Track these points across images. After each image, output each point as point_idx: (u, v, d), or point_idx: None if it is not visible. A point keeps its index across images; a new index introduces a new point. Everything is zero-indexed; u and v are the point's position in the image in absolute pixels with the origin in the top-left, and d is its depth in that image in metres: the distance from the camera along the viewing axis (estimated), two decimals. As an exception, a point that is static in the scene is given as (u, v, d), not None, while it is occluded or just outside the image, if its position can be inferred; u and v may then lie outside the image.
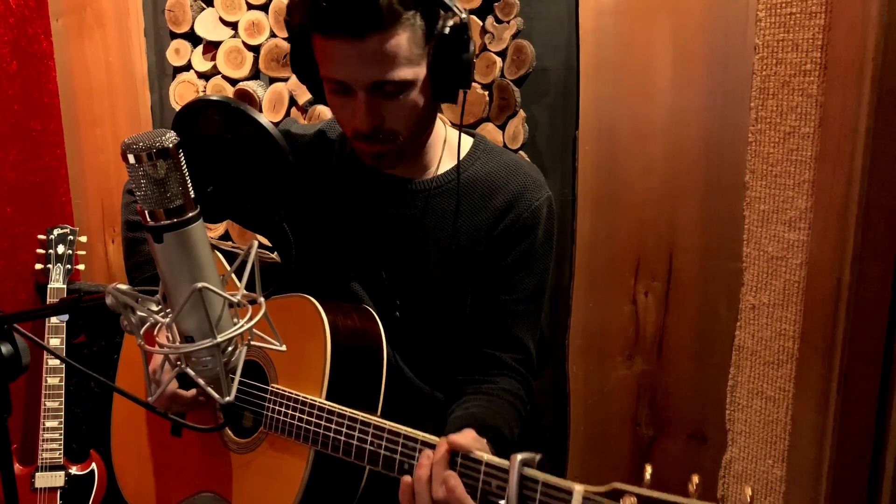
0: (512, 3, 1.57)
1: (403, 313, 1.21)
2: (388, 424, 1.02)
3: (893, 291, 1.21)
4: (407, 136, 1.11)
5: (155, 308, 0.75)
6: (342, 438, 1.05)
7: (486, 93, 1.63)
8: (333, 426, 1.06)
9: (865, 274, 1.22)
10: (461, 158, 1.20)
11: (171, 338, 0.76)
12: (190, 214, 0.71)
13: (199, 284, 0.71)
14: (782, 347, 1.35)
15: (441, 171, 1.21)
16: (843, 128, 1.21)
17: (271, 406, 1.12)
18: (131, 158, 0.68)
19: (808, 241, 1.28)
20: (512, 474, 0.87)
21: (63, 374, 1.90)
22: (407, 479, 0.96)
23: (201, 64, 1.90)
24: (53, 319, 1.90)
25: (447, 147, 1.22)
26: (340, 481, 1.10)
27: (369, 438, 1.03)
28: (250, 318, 0.75)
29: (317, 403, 1.07)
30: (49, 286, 1.94)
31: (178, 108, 1.93)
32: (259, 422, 1.15)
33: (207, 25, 1.86)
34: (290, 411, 1.10)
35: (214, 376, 0.75)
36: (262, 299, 0.76)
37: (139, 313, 0.74)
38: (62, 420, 1.90)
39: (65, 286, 1.95)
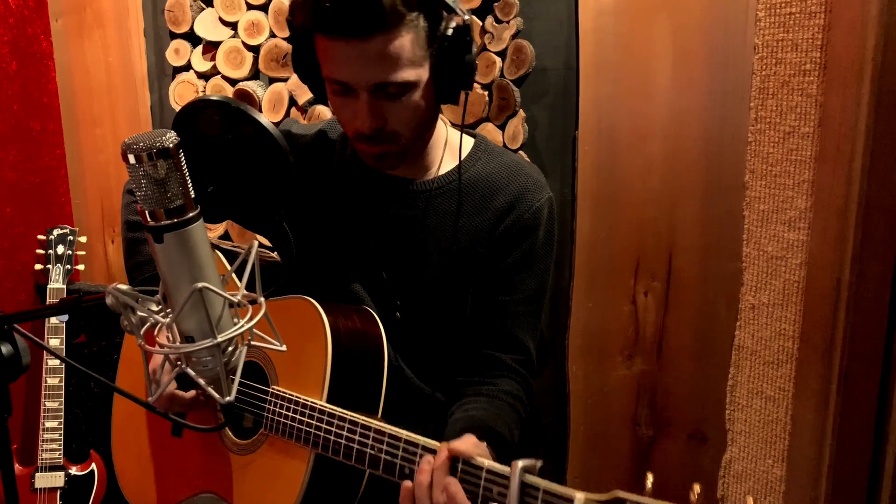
0: (512, 3, 1.57)
1: (404, 314, 1.21)
2: (389, 429, 1.02)
3: (893, 291, 1.21)
4: (409, 138, 1.10)
5: (155, 308, 0.75)
6: (342, 442, 1.05)
7: (486, 93, 1.63)
8: (334, 429, 1.05)
9: (865, 274, 1.22)
10: (462, 159, 1.20)
11: (171, 338, 0.76)
12: (190, 214, 0.71)
13: (200, 284, 0.71)
14: (782, 347, 1.35)
15: (442, 171, 1.21)
16: (843, 127, 1.21)
17: (272, 408, 1.12)
18: (132, 158, 0.68)
19: (807, 240, 1.29)
20: (513, 481, 0.87)
21: (63, 375, 1.90)
22: (408, 484, 0.96)
23: (201, 64, 1.90)
24: (53, 320, 1.90)
25: (448, 148, 1.22)
26: (341, 484, 1.10)
27: (370, 442, 1.02)
28: (250, 318, 0.75)
29: (317, 406, 1.07)
30: (49, 286, 1.94)
31: (177, 108, 1.93)
32: (259, 423, 1.15)
33: (207, 25, 1.86)
34: (290, 413, 1.10)
35: (215, 376, 0.75)
36: (262, 299, 0.76)
37: (139, 313, 0.74)
38: (62, 420, 1.89)
39: (64, 286, 1.95)
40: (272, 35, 1.81)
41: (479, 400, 1.16)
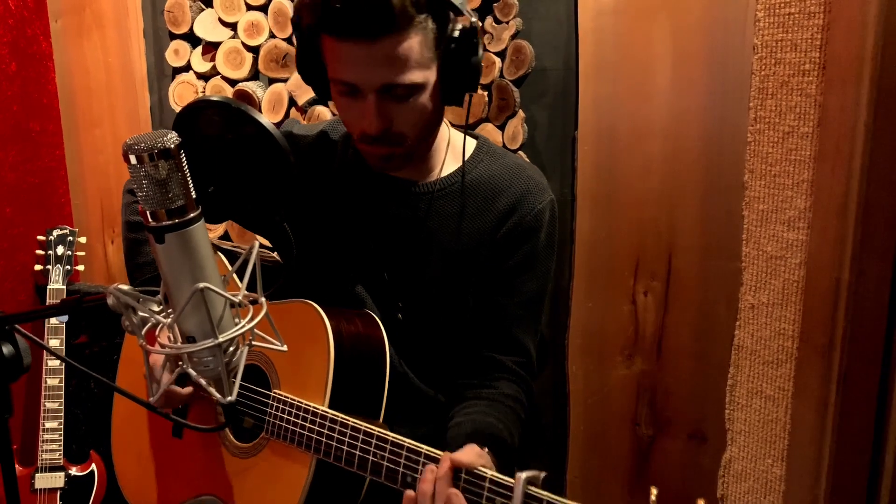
0: (511, 4, 1.57)
1: (406, 315, 1.21)
2: (392, 436, 1.01)
3: (893, 290, 1.22)
4: (414, 139, 1.10)
5: (156, 308, 0.75)
6: (345, 448, 1.04)
7: (486, 93, 1.63)
8: (336, 436, 1.05)
9: (865, 273, 1.23)
10: (465, 161, 1.20)
11: (172, 338, 0.76)
12: (191, 215, 0.71)
13: (201, 285, 0.71)
14: (782, 347, 1.35)
15: (444, 173, 1.21)
16: (842, 127, 1.21)
17: (274, 412, 1.12)
18: (133, 159, 0.68)
19: (807, 240, 1.29)
20: (516, 493, 0.87)
21: (63, 375, 1.90)
22: (410, 493, 0.96)
23: (200, 65, 1.90)
24: (53, 320, 1.90)
25: (450, 149, 1.22)
26: (342, 489, 1.10)
27: (372, 450, 1.02)
28: (251, 319, 0.75)
29: (319, 412, 1.07)
30: (49, 287, 1.94)
31: (177, 108, 1.93)
32: (260, 427, 1.15)
33: (207, 26, 1.86)
34: (292, 418, 1.09)
35: (216, 376, 0.75)
36: (263, 299, 0.76)
37: (141, 314, 0.74)
38: (62, 421, 1.89)
39: (64, 287, 1.95)
40: (272, 36, 1.81)
41: (479, 403, 1.16)
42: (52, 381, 1.89)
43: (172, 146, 0.68)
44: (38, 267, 1.96)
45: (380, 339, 1.15)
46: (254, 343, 0.78)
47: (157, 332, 0.78)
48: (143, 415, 1.31)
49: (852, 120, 1.19)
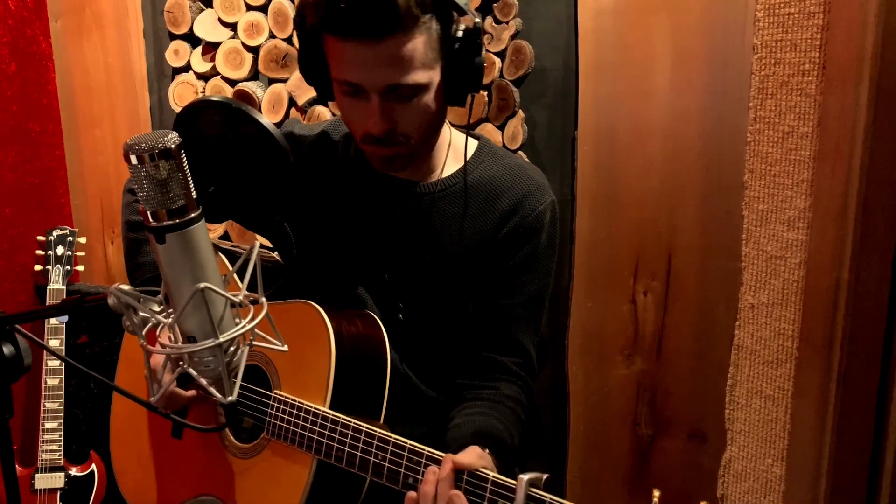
0: (511, 4, 1.57)
1: (407, 316, 1.21)
2: (394, 437, 1.01)
3: (892, 290, 1.22)
4: (418, 140, 1.10)
5: (157, 308, 0.75)
6: (346, 449, 1.04)
7: (485, 93, 1.63)
8: (337, 437, 1.05)
9: (864, 273, 1.23)
10: (466, 161, 1.20)
11: (173, 338, 0.76)
12: (192, 215, 0.71)
13: (202, 285, 0.71)
14: (781, 346, 1.35)
15: (446, 173, 1.21)
16: (842, 127, 1.21)
17: (274, 413, 1.12)
18: (134, 159, 0.68)
19: (806, 240, 1.29)
20: (518, 494, 0.87)
21: (62, 376, 1.90)
22: (412, 494, 0.96)
23: (200, 65, 1.90)
24: (53, 321, 1.90)
25: (451, 149, 1.22)
26: (343, 489, 1.10)
27: (373, 451, 1.02)
28: (252, 319, 0.75)
29: (320, 412, 1.07)
30: (48, 287, 1.94)
31: (177, 109, 1.93)
32: (261, 428, 1.15)
33: (206, 26, 1.86)
34: (293, 419, 1.09)
35: (216, 376, 0.75)
36: (263, 299, 0.76)
37: (141, 314, 0.74)
38: (62, 421, 1.89)
39: (64, 287, 1.95)
40: (272, 36, 1.81)
41: (479, 404, 1.16)
42: (52, 382, 1.89)
43: (173, 146, 0.68)
44: (37, 267, 1.96)
45: (380, 340, 1.15)
46: (254, 343, 0.78)
47: (157, 333, 0.78)
48: (142, 415, 1.30)
49: (852, 120, 1.20)
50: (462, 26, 1.04)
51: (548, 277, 1.23)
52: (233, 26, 1.84)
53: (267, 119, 0.84)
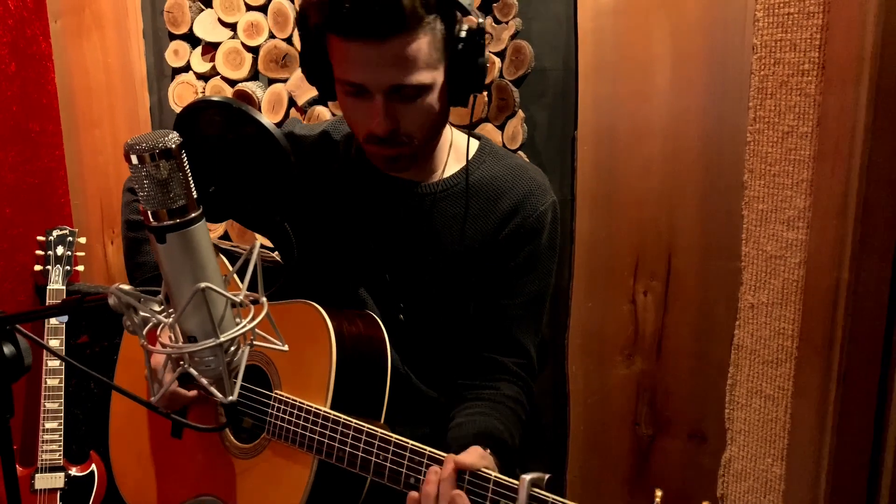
0: (510, 4, 1.57)
1: (407, 316, 1.21)
2: (395, 437, 1.01)
3: (892, 290, 1.22)
4: (422, 140, 1.10)
5: (157, 308, 0.75)
6: (347, 449, 1.04)
7: (485, 93, 1.63)
8: (339, 437, 1.05)
9: (864, 272, 1.23)
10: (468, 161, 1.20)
11: (173, 338, 0.76)
12: (193, 215, 0.71)
13: (202, 284, 0.71)
14: (781, 346, 1.35)
15: (447, 174, 1.21)
16: (841, 127, 1.21)
17: (275, 413, 1.12)
18: (134, 159, 0.68)
19: (806, 240, 1.29)
20: (521, 494, 0.87)
21: (62, 376, 1.90)
22: (414, 495, 0.96)
23: (200, 65, 1.90)
24: (53, 321, 1.90)
25: (453, 150, 1.22)
26: (343, 489, 1.10)
27: (374, 451, 1.02)
28: (253, 318, 0.75)
29: (321, 412, 1.07)
30: (48, 287, 1.94)
31: (177, 109, 1.93)
32: (262, 427, 1.15)
33: (206, 26, 1.86)
34: (293, 419, 1.09)
35: (217, 376, 0.75)
36: (264, 299, 0.76)
37: (142, 314, 0.74)
38: (62, 421, 1.89)
39: (64, 287, 1.95)
40: (271, 36, 1.81)
41: (480, 404, 1.16)
42: (52, 382, 1.89)
43: (174, 146, 0.68)
44: (37, 267, 1.96)
45: (381, 340, 1.15)
46: (255, 343, 0.78)
47: (158, 332, 0.78)
48: (142, 415, 1.30)
49: (851, 119, 1.20)
50: (466, 26, 1.04)
51: (548, 278, 1.23)
52: (233, 26, 1.84)
53: (267, 119, 0.84)
